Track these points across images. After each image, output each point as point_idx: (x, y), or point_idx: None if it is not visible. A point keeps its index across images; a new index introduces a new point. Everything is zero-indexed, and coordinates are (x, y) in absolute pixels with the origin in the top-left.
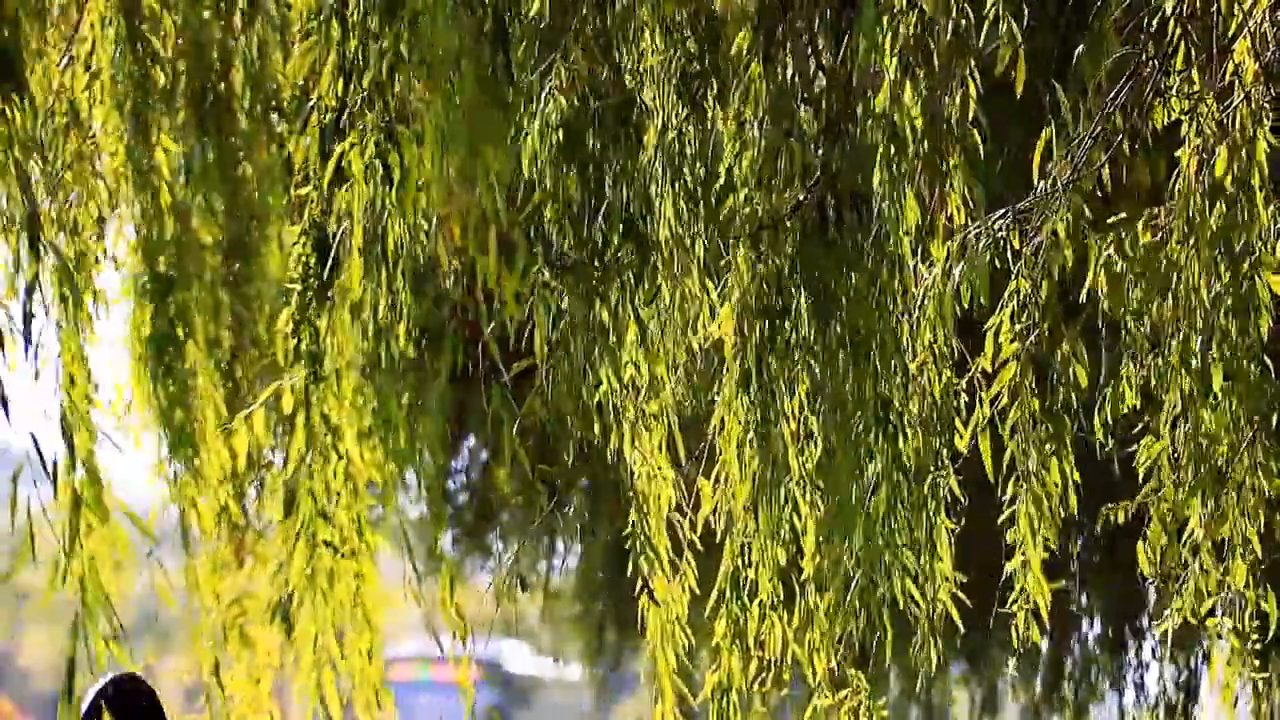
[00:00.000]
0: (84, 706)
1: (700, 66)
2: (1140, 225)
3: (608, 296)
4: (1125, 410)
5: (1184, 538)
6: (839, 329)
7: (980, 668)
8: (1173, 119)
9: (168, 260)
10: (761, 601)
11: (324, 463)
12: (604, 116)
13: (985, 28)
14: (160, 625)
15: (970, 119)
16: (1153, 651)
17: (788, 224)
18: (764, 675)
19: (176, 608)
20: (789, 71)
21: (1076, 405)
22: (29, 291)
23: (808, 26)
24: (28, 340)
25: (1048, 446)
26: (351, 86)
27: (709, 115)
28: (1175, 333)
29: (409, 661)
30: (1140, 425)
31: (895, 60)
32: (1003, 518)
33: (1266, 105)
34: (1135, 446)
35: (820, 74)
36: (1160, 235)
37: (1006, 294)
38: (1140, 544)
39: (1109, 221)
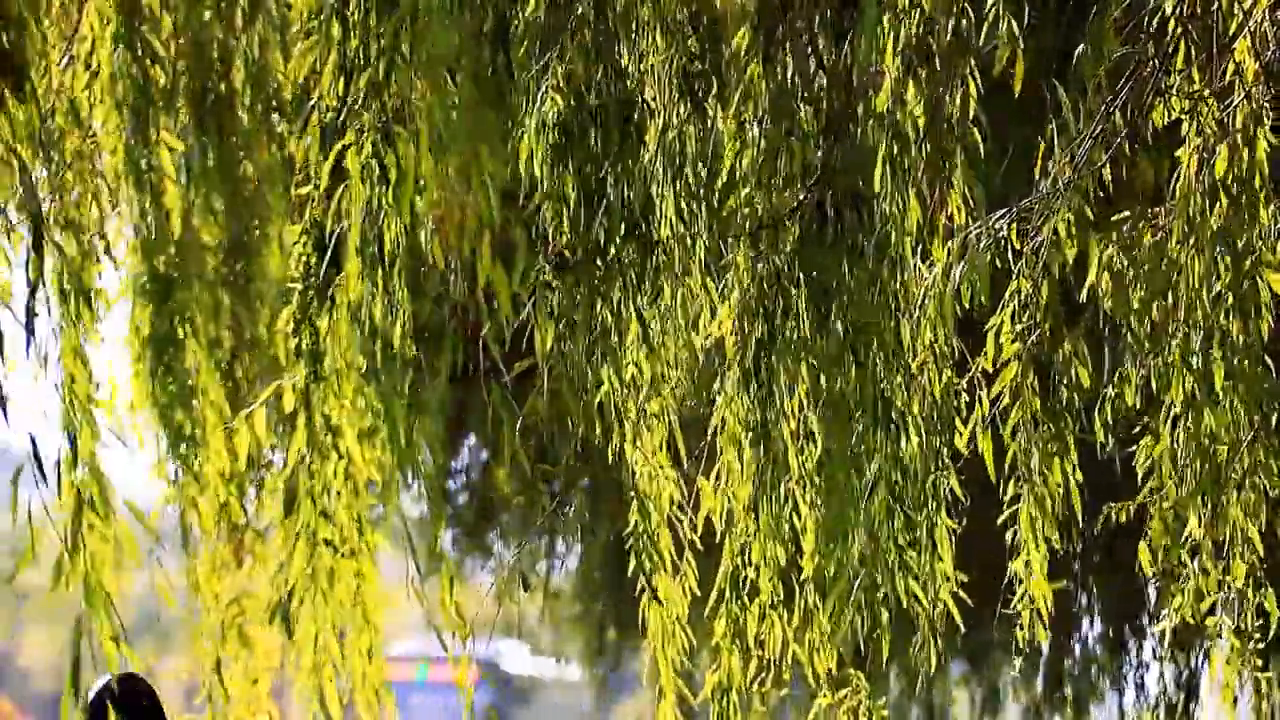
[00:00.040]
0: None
1: (701, 66)
2: (1141, 225)
3: (610, 296)
4: (1126, 410)
5: (1184, 537)
6: (839, 328)
7: (981, 667)
8: (1173, 119)
9: (168, 260)
10: (761, 601)
11: (324, 462)
12: (606, 116)
13: (985, 28)
14: (160, 625)
15: (971, 118)
16: (1153, 651)
17: (788, 223)
18: (764, 675)
19: (176, 608)
20: (789, 71)
21: (1079, 405)
22: (32, 290)
23: (808, 26)
24: (30, 334)
25: (1050, 447)
26: (351, 86)
27: (710, 115)
28: (1176, 332)
29: (402, 661)
30: (1141, 425)
31: (898, 60)
32: (1003, 517)
33: (1266, 105)
34: (1135, 447)
35: (820, 73)
36: (1160, 235)
37: (1007, 294)
38: (1141, 543)
39: (1112, 220)
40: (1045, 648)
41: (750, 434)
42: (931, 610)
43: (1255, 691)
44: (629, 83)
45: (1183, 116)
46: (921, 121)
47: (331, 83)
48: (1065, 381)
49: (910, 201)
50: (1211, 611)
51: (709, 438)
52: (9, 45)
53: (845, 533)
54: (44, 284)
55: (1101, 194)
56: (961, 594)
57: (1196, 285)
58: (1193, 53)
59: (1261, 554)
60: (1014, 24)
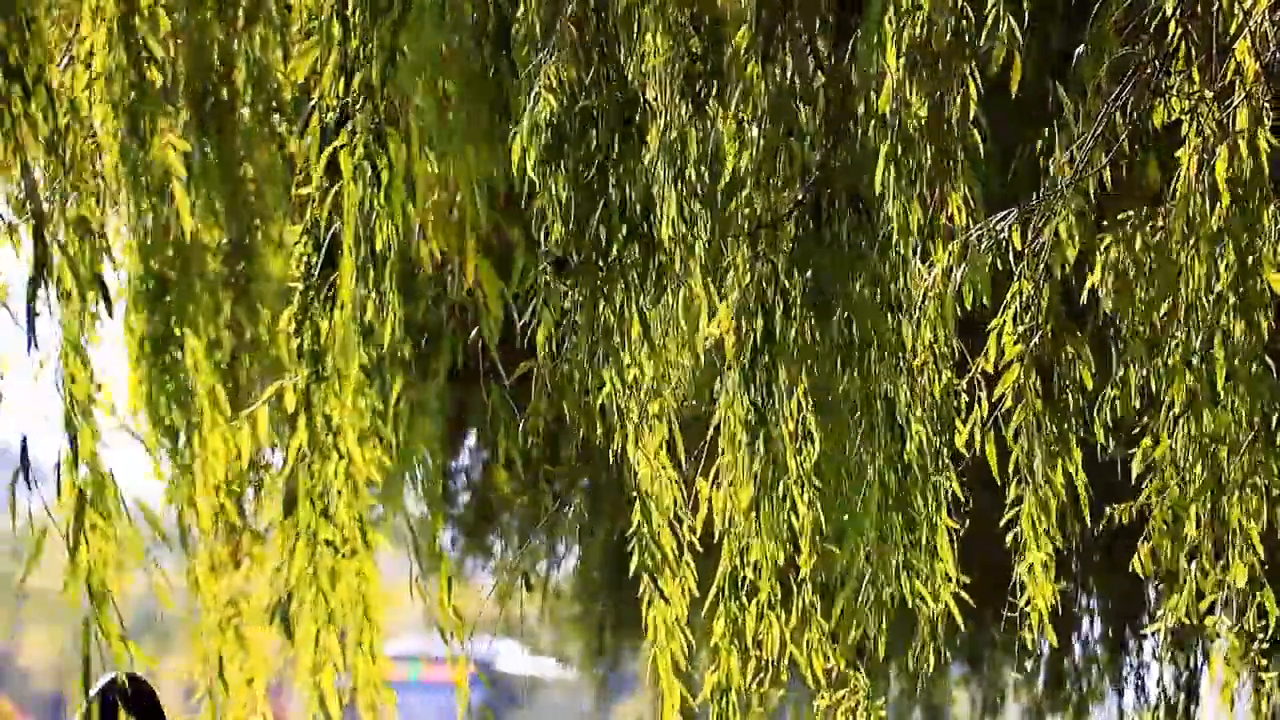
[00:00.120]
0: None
1: (703, 67)
2: (1142, 225)
3: (612, 296)
4: (1126, 411)
5: (1184, 537)
6: (839, 328)
7: (981, 668)
8: (1173, 119)
9: (168, 260)
10: (760, 601)
11: (324, 462)
12: (608, 116)
13: (986, 28)
14: (160, 625)
15: (971, 119)
16: (1153, 651)
17: (787, 223)
18: (762, 675)
19: (176, 608)
20: (789, 71)
21: (1081, 406)
22: (34, 289)
23: (808, 26)
24: (31, 332)
25: (1052, 448)
26: (350, 86)
27: (710, 115)
28: (1176, 332)
29: (396, 661)
30: (1141, 425)
31: (901, 60)
32: (1005, 518)
33: (1266, 105)
34: (1134, 449)
35: (820, 74)
36: (1160, 235)
37: (1009, 295)
38: (1141, 544)
39: (1117, 218)
40: (1046, 648)
41: (750, 434)
42: (932, 610)
43: (1255, 691)
44: (630, 83)
45: (1183, 117)
46: (923, 122)
47: (332, 83)
48: (1068, 383)
49: (911, 202)
50: (1211, 611)
51: (709, 438)
52: (16, 45)
53: (851, 534)
54: (44, 284)
55: (1104, 194)
56: (963, 594)
57: (1197, 285)
58: (1193, 53)
59: (1261, 554)
60: (1014, 24)
